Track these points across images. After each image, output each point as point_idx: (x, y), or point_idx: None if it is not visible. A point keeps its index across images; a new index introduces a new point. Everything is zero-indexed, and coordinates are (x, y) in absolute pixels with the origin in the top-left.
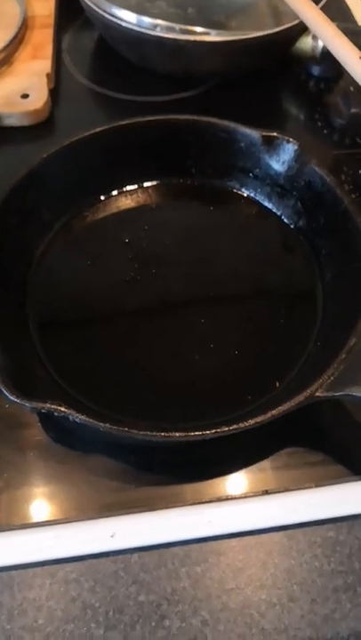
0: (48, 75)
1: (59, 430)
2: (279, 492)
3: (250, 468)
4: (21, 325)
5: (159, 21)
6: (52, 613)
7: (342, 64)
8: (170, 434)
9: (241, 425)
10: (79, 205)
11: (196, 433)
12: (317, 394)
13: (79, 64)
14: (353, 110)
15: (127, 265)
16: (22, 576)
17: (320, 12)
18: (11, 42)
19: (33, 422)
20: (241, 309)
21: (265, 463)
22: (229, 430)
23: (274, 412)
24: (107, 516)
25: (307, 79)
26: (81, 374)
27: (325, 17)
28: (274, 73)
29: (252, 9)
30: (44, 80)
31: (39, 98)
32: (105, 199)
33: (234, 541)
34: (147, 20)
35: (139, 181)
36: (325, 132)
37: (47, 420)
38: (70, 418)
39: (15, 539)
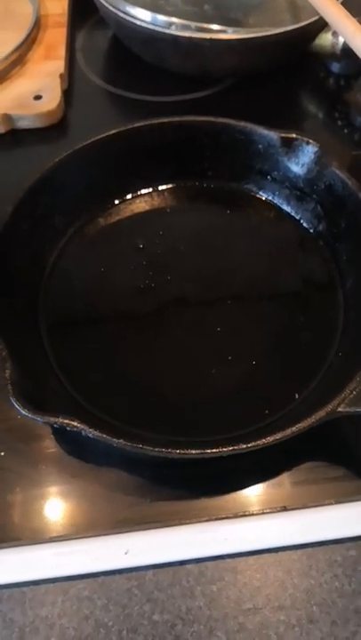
0: (61, 75)
1: (72, 443)
2: (298, 508)
3: (267, 482)
4: (33, 335)
5: (174, 19)
6: (65, 632)
7: None
8: (185, 451)
9: (259, 442)
10: (93, 210)
11: (213, 450)
12: (339, 409)
13: (93, 64)
14: None
15: (141, 272)
16: (34, 592)
17: (341, 7)
18: (23, 42)
19: (46, 434)
20: (259, 317)
21: (283, 478)
22: (247, 448)
23: (293, 428)
24: (120, 532)
25: (326, 76)
26: (94, 385)
27: (347, 12)
28: (292, 70)
29: (270, 5)
30: (57, 81)
31: (52, 99)
32: (119, 203)
33: (251, 559)
34: (161, 17)
35: (153, 184)
36: (345, 131)
37: (60, 432)
38: (83, 433)
39: (27, 554)
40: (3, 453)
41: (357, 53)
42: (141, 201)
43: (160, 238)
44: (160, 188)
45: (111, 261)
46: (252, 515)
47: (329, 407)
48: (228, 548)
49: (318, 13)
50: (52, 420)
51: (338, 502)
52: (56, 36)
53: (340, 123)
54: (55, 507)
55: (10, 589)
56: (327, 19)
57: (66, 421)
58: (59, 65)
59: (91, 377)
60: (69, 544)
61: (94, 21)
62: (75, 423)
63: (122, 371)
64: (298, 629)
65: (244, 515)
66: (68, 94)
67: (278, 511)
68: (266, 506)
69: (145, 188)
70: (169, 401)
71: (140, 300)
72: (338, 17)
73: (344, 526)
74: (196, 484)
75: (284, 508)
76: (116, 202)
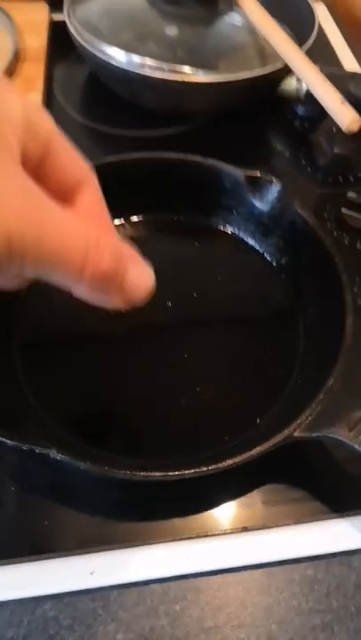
0: None
1: (40, 462)
2: (258, 528)
3: (229, 504)
4: (5, 356)
5: (148, 60)
6: None
7: (324, 107)
8: (149, 473)
9: (220, 465)
10: None
11: (175, 473)
12: (295, 434)
13: (70, 97)
14: (336, 151)
15: None
16: (0, 613)
17: (304, 56)
18: (2, 74)
19: (13, 453)
20: (224, 345)
21: (244, 499)
22: (208, 470)
23: (252, 452)
24: (86, 553)
25: (292, 118)
26: (63, 408)
27: (309, 61)
28: (260, 111)
29: (240, 51)
30: None
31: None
32: None
33: (213, 579)
34: (136, 58)
35: (126, 216)
36: (310, 170)
37: (28, 452)
38: (51, 455)
39: None
40: None
41: (317, 98)
42: None
43: None
44: (132, 219)
45: None
46: (214, 535)
47: (286, 432)
48: (190, 567)
49: (284, 61)
50: (21, 443)
51: (296, 523)
52: (35, 70)
53: (304, 162)
54: (21, 527)
55: None
56: (291, 66)
57: (33, 446)
58: (36, 97)
59: (60, 399)
60: (36, 564)
61: (73, 56)
62: (40, 449)
63: (91, 394)
64: None
65: (206, 535)
66: None
67: (239, 532)
68: (227, 526)
69: (118, 218)
70: (135, 424)
71: (111, 327)
72: (301, 65)
73: (302, 546)
74: (160, 506)
75: (245, 529)
76: None
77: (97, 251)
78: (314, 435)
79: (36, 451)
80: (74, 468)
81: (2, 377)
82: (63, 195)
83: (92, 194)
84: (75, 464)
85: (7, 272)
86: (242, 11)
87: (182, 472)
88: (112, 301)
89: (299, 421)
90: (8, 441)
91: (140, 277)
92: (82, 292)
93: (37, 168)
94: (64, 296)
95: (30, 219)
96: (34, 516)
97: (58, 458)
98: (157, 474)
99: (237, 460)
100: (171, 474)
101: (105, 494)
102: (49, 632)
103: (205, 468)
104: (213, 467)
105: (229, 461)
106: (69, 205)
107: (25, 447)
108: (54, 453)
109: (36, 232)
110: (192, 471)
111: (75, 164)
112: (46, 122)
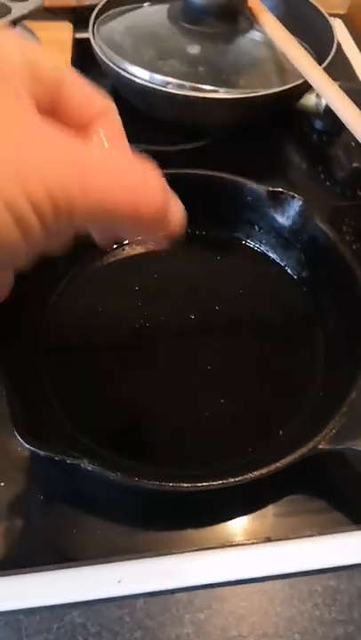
0: None
1: (68, 472)
2: (281, 539)
3: (253, 514)
4: (33, 369)
5: (170, 79)
6: None
7: (344, 122)
8: (178, 484)
9: (247, 476)
10: (93, 253)
11: (203, 484)
12: (320, 446)
13: None
14: (354, 164)
15: (137, 312)
16: (30, 620)
17: (323, 72)
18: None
19: (41, 463)
20: (247, 357)
21: (268, 510)
22: (236, 482)
23: (278, 464)
24: (114, 561)
25: (310, 132)
26: (92, 419)
27: (328, 77)
28: (280, 126)
29: (259, 67)
30: None
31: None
32: (117, 247)
33: (237, 588)
34: (158, 77)
35: None
36: (328, 184)
37: (58, 462)
38: (82, 465)
39: (22, 582)
40: (2, 484)
41: (337, 114)
42: (138, 245)
43: (155, 281)
44: None
45: (108, 301)
46: (238, 545)
47: (311, 444)
48: (215, 577)
49: (303, 77)
50: (53, 453)
51: (319, 534)
52: None
53: (323, 176)
54: (50, 535)
55: (5, 617)
56: (311, 82)
57: (65, 456)
58: None
59: (88, 410)
60: (65, 572)
61: (94, 75)
62: (72, 460)
63: (118, 406)
64: None
65: (231, 545)
66: None
67: (262, 542)
68: (251, 536)
69: None
70: (161, 435)
71: (136, 339)
72: (321, 81)
73: (324, 557)
74: (186, 515)
75: (268, 539)
76: (115, 246)
77: (147, 189)
78: (338, 447)
79: (67, 461)
80: (102, 477)
81: (30, 387)
82: (83, 130)
83: (111, 123)
84: (105, 474)
85: (57, 231)
86: (262, 28)
87: (210, 483)
88: (158, 238)
89: (323, 434)
90: (41, 452)
91: (176, 207)
92: (132, 233)
93: (53, 110)
94: (92, 304)
95: (68, 169)
96: (62, 524)
97: (89, 468)
98: (186, 484)
99: (263, 471)
100: (199, 485)
101: (132, 503)
102: (77, 638)
103: (233, 480)
104: (240, 478)
105: (256, 473)
106: (91, 138)
107: (57, 458)
108: (85, 464)
109: (80, 182)
110: (220, 482)
111: (89, 100)
112: (51, 64)
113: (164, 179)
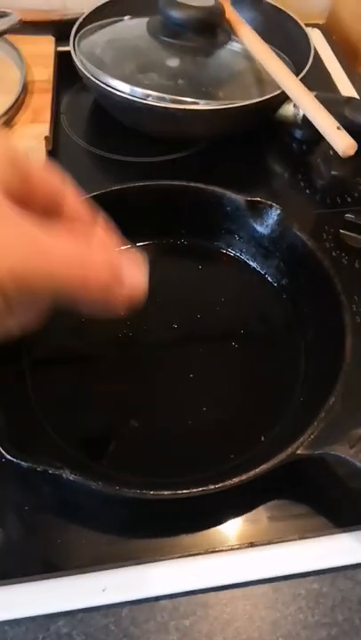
0: (46, 137)
1: (52, 482)
2: (264, 544)
3: (235, 520)
4: (16, 380)
5: (151, 92)
6: None
7: (320, 132)
8: (159, 492)
9: (227, 483)
10: None
11: (184, 491)
12: (298, 452)
13: (76, 126)
14: (333, 172)
15: (120, 322)
16: (15, 631)
17: (300, 83)
18: (12, 106)
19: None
20: (229, 365)
21: (250, 515)
22: (215, 489)
23: (257, 470)
24: (98, 570)
25: (290, 142)
26: (75, 429)
27: (304, 88)
28: (259, 135)
29: (238, 79)
30: (43, 143)
31: (37, 160)
32: None
33: (221, 594)
34: (139, 90)
35: (132, 241)
36: (308, 191)
37: (41, 473)
38: (64, 476)
39: (7, 593)
40: None
41: (313, 123)
42: None
43: None
44: (138, 244)
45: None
46: (221, 551)
47: (289, 450)
48: (199, 583)
49: (281, 88)
50: (36, 464)
51: (301, 538)
52: (42, 101)
53: (302, 184)
54: (35, 545)
55: None
56: (288, 93)
57: (47, 467)
58: (44, 128)
59: (71, 421)
60: (49, 582)
61: (78, 87)
62: (53, 470)
63: (100, 415)
64: None
65: (214, 551)
66: (52, 155)
67: (246, 547)
68: (234, 542)
69: (124, 244)
70: (144, 444)
71: (119, 349)
72: (297, 91)
73: (308, 561)
74: (170, 523)
75: (252, 544)
76: None
77: (92, 267)
78: (316, 452)
79: (50, 471)
80: (85, 487)
81: (14, 398)
82: (50, 208)
83: (70, 200)
84: (87, 484)
85: (19, 304)
86: (240, 40)
87: (190, 490)
88: (116, 307)
89: (301, 440)
90: (23, 463)
91: (135, 278)
92: (89, 305)
93: (21, 196)
94: (74, 318)
95: (28, 255)
96: (47, 534)
97: (71, 478)
98: (166, 492)
99: (243, 477)
100: (179, 492)
101: (115, 512)
102: None
103: (213, 487)
104: (220, 485)
105: (235, 479)
106: (57, 217)
107: (39, 468)
108: (67, 474)
109: (37, 264)
110: (200, 489)
111: (47, 180)
112: (20, 152)
113: (135, 259)
